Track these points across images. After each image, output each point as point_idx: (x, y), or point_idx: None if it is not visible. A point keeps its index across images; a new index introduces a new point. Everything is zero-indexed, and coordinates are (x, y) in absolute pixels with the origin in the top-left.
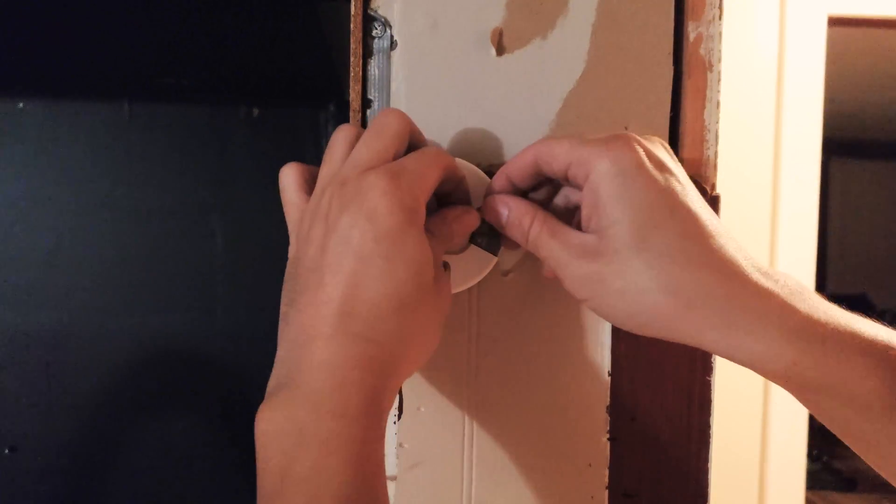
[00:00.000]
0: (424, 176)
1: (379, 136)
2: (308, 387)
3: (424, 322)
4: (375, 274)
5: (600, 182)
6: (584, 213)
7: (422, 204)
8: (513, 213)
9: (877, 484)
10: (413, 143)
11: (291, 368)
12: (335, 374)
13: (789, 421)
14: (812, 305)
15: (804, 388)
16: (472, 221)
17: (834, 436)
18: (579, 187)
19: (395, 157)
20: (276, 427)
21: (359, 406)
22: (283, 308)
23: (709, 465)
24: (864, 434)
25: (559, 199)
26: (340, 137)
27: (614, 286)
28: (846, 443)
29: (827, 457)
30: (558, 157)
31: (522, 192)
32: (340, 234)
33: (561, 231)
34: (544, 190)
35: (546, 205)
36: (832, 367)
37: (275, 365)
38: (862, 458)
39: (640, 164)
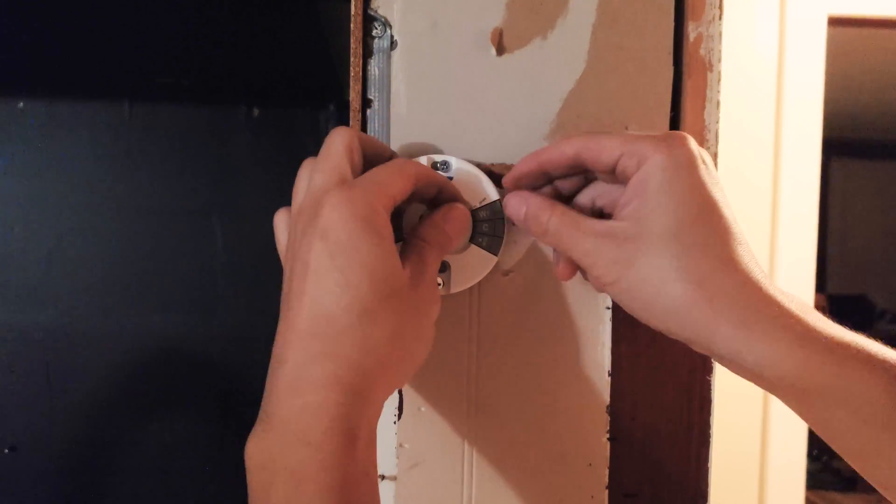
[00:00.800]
0: (382, 184)
1: (327, 158)
2: (276, 416)
3: (397, 331)
4: (331, 288)
5: (653, 171)
6: (625, 198)
7: (378, 211)
8: (531, 208)
9: None
10: (377, 154)
11: (266, 398)
12: (298, 399)
13: (789, 421)
14: (819, 318)
15: (806, 395)
16: (462, 216)
17: None
18: (626, 178)
19: (354, 171)
20: (254, 460)
21: (325, 431)
22: None
23: (709, 465)
24: (861, 443)
25: (586, 194)
26: (302, 172)
27: (642, 271)
28: (841, 453)
29: (827, 457)
30: (609, 148)
31: (549, 181)
32: (301, 258)
33: (583, 221)
34: (571, 182)
35: (571, 196)
36: (836, 375)
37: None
38: (856, 468)
39: (694, 163)
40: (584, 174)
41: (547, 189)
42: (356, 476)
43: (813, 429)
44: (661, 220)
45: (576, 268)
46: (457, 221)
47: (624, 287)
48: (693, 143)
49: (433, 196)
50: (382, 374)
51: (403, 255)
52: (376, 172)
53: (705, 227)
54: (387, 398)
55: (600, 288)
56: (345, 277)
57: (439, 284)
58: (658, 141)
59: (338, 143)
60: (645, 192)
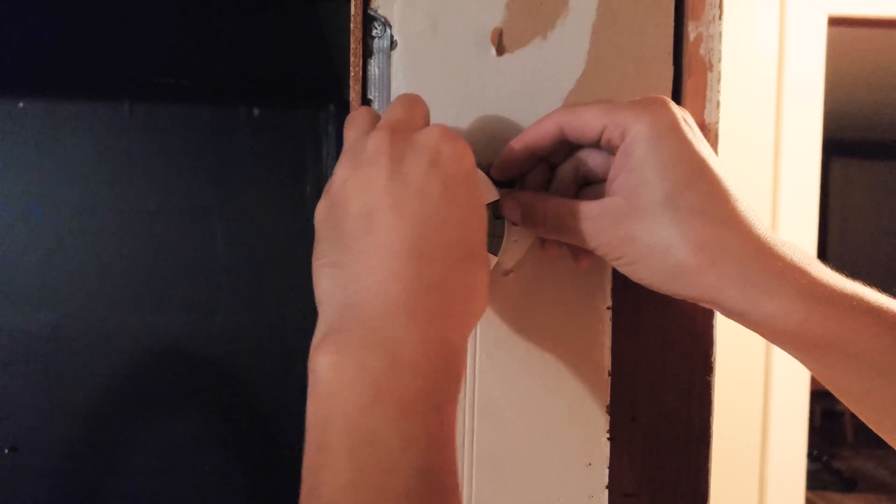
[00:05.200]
0: None
1: (413, 105)
2: (382, 334)
3: (481, 286)
4: (446, 218)
5: (636, 143)
6: (613, 172)
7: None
8: (525, 207)
9: (877, 484)
10: None
11: (356, 310)
12: (413, 323)
13: (789, 421)
14: (820, 270)
15: (810, 346)
16: None
17: (834, 436)
18: (613, 150)
19: None
20: (344, 376)
21: (438, 366)
22: (329, 258)
23: (709, 465)
24: (862, 391)
25: (569, 163)
26: (363, 110)
27: (644, 243)
28: (843, 401)
29: (827, 457)
30: (590, 123)
31: (539, 160)
32: (401, 177)
33: (578, 207)
34: (560, 155)
35: (560, 168)
36: (838, 326)
37: (323, 311)
38: (857, 414)
39: (677, 127)
40: (571, 147)
41: (540, 167)
42: (454, 420)
43: (816, 377)
44: (654, 190)
45: (591, 254)
46: None
47: (630, 260)
48: (674, 106)
49: None
50: (471, 322)
51: None
52: None
53: (699, 189)
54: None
55: (610, 262)
56: (459, 212)
57: None
58: (639, 108)
59: (423, 104)
60: (632, 164)
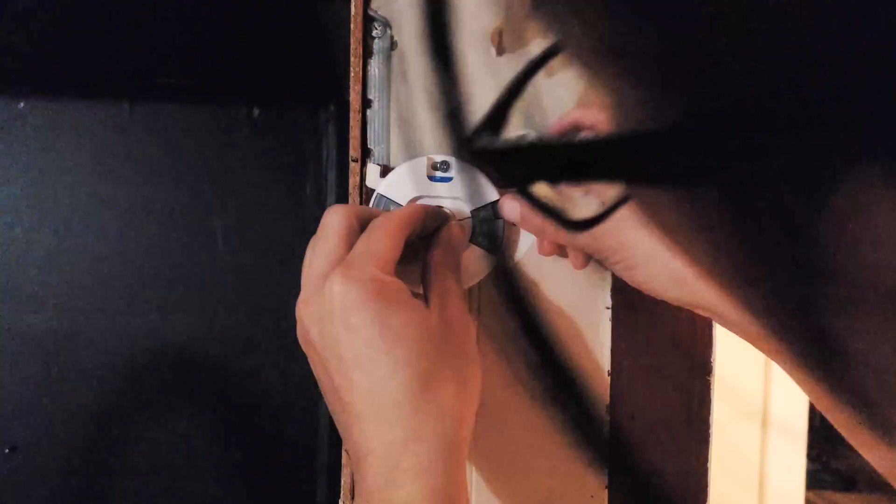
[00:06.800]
0: (374, 252)
1: (324, 239)
2: None
3: (454, 371)
4: (384, 374)
5: None
6: None
7: (384, 280)
8: (525, 208)
9: (877, 484)
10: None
11: (361, 494)
12: (398, 490)
13: (789, 421)
14: None
15: None
16: (459, 234)
17: (834, 436)
18: None
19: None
20: None
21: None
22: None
23: (709, 464)
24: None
25: None
26: (306, 255)
27: (643, 249)
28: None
29: (827, 457)
30: (603, 124)
31: None
32: (333, 352)
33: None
34: None
35: None
36: None
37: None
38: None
39: None
40: None
41: None
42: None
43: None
44: None
45: (587, 256)
46: (459, 237)
47: (629, 265)
48: None
49: (436, 226)
50: (463, 421)
51: (426, 281)
52: (365, 240)
53: None
54: (472, 430)
55: (608, 266)
56: (392, 359)
57: None
58: None
59: (335, 226)
60: None
